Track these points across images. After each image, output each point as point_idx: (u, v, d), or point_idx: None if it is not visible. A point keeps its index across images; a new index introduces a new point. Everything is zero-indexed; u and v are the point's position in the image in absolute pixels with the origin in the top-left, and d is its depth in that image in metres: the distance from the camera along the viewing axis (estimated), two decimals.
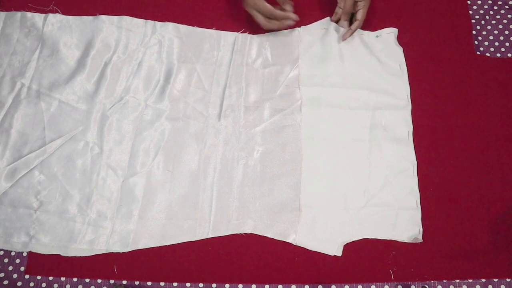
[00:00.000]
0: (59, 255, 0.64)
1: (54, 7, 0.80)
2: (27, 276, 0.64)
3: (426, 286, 0.63)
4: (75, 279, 0.64)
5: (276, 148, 0.71)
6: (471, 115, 0.74)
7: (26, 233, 0.65)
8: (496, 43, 0.80)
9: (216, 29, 0.80)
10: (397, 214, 0.66)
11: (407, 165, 0.70)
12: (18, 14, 0.79)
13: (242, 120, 0.73)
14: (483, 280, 0.64)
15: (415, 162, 0.70)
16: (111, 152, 0.70)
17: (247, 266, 0.65)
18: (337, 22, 0.79)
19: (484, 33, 0.81)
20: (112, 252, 0.65)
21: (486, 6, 0.82)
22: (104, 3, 0.81)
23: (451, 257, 0.65)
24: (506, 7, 0.82)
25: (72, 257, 0.64)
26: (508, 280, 0.64)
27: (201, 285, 0.64)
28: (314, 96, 0.74)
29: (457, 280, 0.64)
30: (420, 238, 0.65)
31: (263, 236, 0.66)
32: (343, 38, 0.77)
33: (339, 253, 0.65)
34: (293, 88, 0.75)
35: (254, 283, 0.64)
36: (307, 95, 0.74)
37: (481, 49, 0.79)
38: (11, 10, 0.80)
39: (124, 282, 0.64)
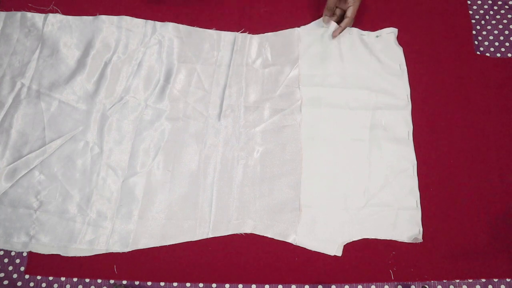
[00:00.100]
0: (59, 255, 0.64)
1: (54, 7, 0.80)
2: (27, 276, 0.64)
3: (426, 286, 0.63)
4: (75, 279, 0.64)
5: (276, 148, 0.71)
6: (471, 115, 0.74)
7: (26, 233, 0.65)
8: (496, 43, 0.80)
9: (216, 29, 0.80)
10: (397, 214, 0.66)
11: (407, 165, 0.70)
12: (18, 14, 0.79)
13: (242, 120, 0.73)
14: (483, 280, 0.64)
15: (415, 162, 0.70)
16: (111, 152, 0.70)
17: (247, 266, 0.65)
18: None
19: (484, 33, 0.81)
20: (112, 252, 0.65)
21: (486, 6, 0.82)
22: (104, 3, 0.81)
23: (451, 257, 0.65)
24: (506, 7, 0.82)
25: (72, 257, 0.64)
26: (508, 280, 0.64)
27: (201, 285, 0.64)
28: (314, 96, 0.74)
29: (457, 280, 0.64)
30: (420, 238, 0.65)
31: (263, 236, 0.66)
32: (333, 35, 0.77)
33: (339, 253, 0.65)
34: (293, 88, 0.75)
35: (254, 283, 0.64)
36: (307, 95, 0.74)
37: (481, 49, 0.79)
38: (11, 10, 0.80)
39: (124, 282, 0.64)
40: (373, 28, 0.80)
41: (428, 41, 0.79)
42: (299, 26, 0.80)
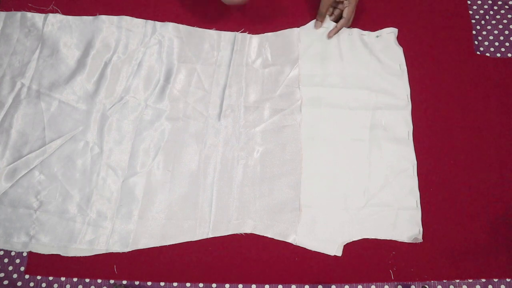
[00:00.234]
0: (59, 255, 0.64)
1: (54, 7, 0.80)
2: (27, 276, 0.64)
3: (426, 286, 0.63)
4: (75, 279, 0.64)
5: (276, 148, 0.71)
6: (471, 115, 0.74)
7: (26, 233, 0.65)
8: (496, 43, 0.80)
9: (216, 29, 0.80)
10: (397, 214, 0.66)
11: (407, 165, 0.70)
12: (18, 14, 0.79)
13: (242, 120, 0.73)
14: (483, 280, 0.64)
15: (415, 162, 0.70)
16: (111, 152, 0.70)
17: (247, 266, 0.65)
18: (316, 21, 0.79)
19: (484, 33, 0.81)
20: (112, 252, 0.65)
21: (486, 6, 0.82)
22: (104, 3, 0.81)
23: (451, 257, 0.65)
24: (506, 7, 0.82)
25: (72, 257, 0.64)
26: (508, 280, 0.64)
27: (201, 285, 0.64)
28: (314, 96, 0.74)
29: (457, 280, 0.64)
30: (420, 238, 0.65)
31: (263, 236, 0.66)
32: (328, 35, 0.78)
33: (339, 253, 0.65)
34: (293, 88, 0.75)
35: (254, 283, 0.64)
36: (307, 95, 0.74)
37: (481, 49, 0.79)
38: (11, 10, 0.80)
39: (124, 282, 0.64)
40: (373, 28, 0.80)
41: (428, 41, 0.79)
42: (299, 26, 0.80)
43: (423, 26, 0.80)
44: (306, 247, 0.65)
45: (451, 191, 0.68)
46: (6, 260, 0.65)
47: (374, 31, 0.79)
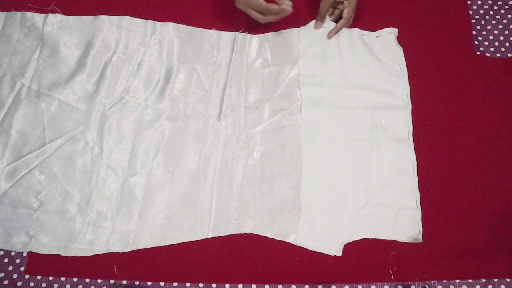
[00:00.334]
0: (59, 255, 0.64)
1: (54, 7, 0.80)
2: (27, 276, 0.64)
3: (426, 286, 0.63)
4: (75, 279, 0.64)
5: (276, 148, 0.71)
6: (471, 115, 0.74)
7: (26, 233, 0.65)
8: (496, 43, 0.80)
9: (216, 29, 0.80)
10: (397, 214, 0.66)
11: (407, 165, 0.70)
12: (18, 14, 0.79)
13: (242, 120, 0.73)
14: (483, 280, 0.64)
15: (415, 162, 0.70)
16: (111, 152, 0.70)
17: (247, 266, 0.65)
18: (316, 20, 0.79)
19: (484, 33, 0.81)
20: (112, 252, 0.65)
21: (486, 6, 0.82)
22: (104, 3, 0.81)
23: (451, 257, 0.65)
24: (506, 7, 0.82)
25: (72, 257, 0.64)
26: (508, 280, 0.64)
27: (201, 285, 0.64)
28: (314, 96, 0.74)
29: (457, 280, 0.64)
30: (420, 238, 0.65)
31: (263, 236, 0.66)
32: (328, 35, 0.78)
33: (339, 253, 0.65)
34: (293, 88, 0.75)
35: (254, 283, 0.64)
36: (307, 95, 0.74)
37: (481, 49, 0.79)
38: (11, 10, 0.80)
39: (124, 282, 0.64)
40: (373, 28, 0.80)
41: (428, 41, 0.79)
42: (299, 26, 0.80)
43: (423, 26, 0.80)
44: (306, 247, 0.65)
45: (451, 191, 0.68)
46: (6, 260, 0.65)
47: (374, 31, 0.79)
